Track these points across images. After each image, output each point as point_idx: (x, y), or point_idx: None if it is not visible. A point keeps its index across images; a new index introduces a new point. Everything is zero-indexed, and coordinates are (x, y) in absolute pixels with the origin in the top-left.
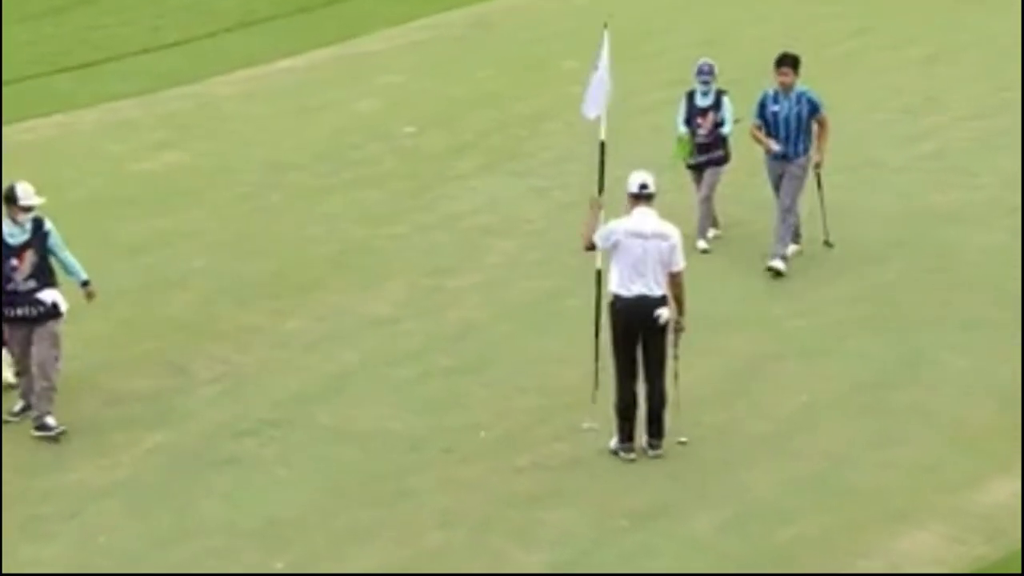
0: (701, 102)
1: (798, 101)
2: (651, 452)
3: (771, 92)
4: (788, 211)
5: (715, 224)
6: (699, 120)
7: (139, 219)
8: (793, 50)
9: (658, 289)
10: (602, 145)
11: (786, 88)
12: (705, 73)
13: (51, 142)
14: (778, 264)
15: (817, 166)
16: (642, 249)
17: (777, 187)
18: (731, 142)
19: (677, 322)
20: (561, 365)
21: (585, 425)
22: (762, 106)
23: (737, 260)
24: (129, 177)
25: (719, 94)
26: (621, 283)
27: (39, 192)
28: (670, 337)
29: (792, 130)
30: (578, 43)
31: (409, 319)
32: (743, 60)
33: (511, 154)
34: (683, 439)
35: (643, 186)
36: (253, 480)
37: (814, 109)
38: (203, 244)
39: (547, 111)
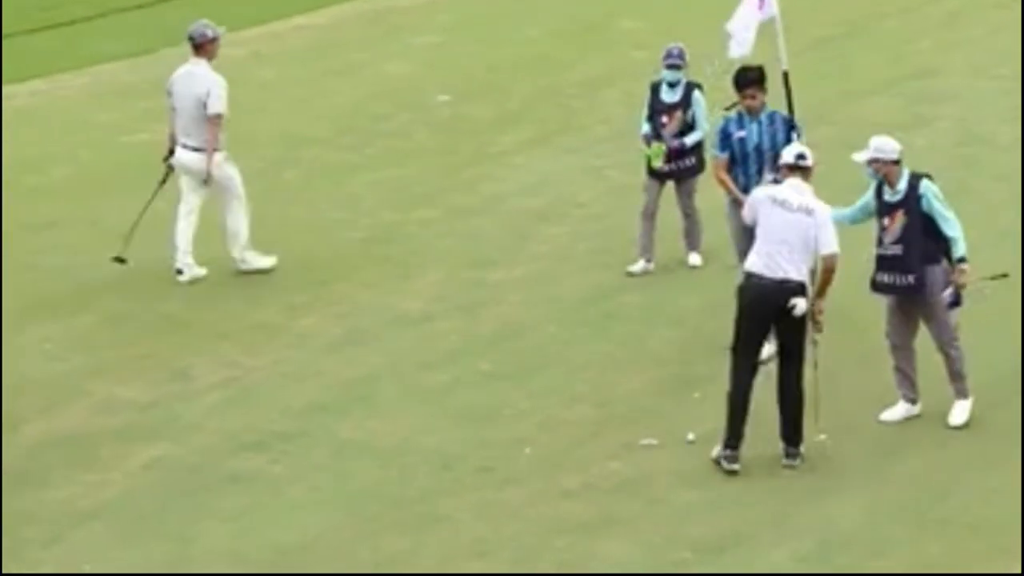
0: (667, 97)
1: (771, 122)
2: (785, 461)
3: (734, 115)
4: None
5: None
6: (663, 119)
7: (132, 199)
8: (756, 61)
9: (797, 273)
10: (785, 75)
11: (754, 111)
12: (674, 57)
13: (31, 111)
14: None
15: None
16: (782, 221)
17: (743, 244)
18: (705, 147)
19: (818, 312)
20: (617, 372)
21: (643, 441)
22: (725, 134)
23: None
24: (121, 151)
25: (690, 88)
26: (757, 259)
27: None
28: (809, 327)
29: (766, 161)
30: (639, 0)
31: (444, 317)
32: (832, 19)
33: (562, 127)
34: (822, 436)
35: (800, 156)
36: (262, 502)
37: (790, 132)
38: (207, 229)
39: (604, 78)
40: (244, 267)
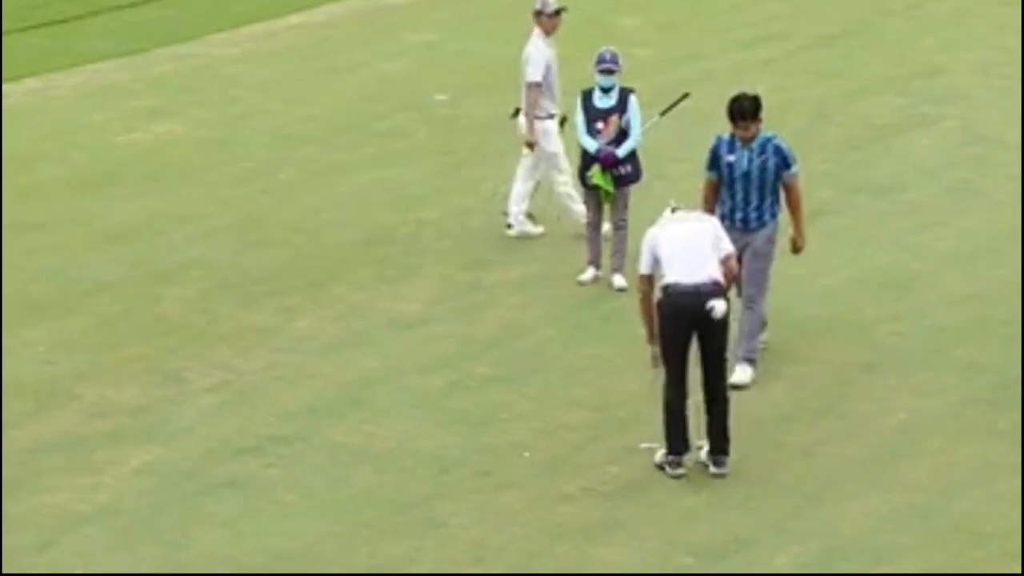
0: (601, 103)
1: (762, 150)
2: (714, 469)
3: (726, 137)
4: (753, 301)
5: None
6: (599, 126)
7: (126, 200)
8: (751, 90)
9: (715, 272)
10: None
11: (745, 140)
12: (607, 62)
13: (23, 111)
14: (742, 378)
15: (796, 249)
16: (687, 228)
17: None
18: (640, 154)
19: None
20: (616, 375)
21: (643, 445)
22: (714, 156)
23: (822, 254)
24: (114, 151)
25: (624, 92)
26: (672, 271)
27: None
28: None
29: (754, 188)
30: None
31: (440, 320)
32: (836, 17)
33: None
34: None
35: (674, 209)
36: (257, 507)
37: (783, 163)
38: (200, 230)
39: None
40: (514, 230)
